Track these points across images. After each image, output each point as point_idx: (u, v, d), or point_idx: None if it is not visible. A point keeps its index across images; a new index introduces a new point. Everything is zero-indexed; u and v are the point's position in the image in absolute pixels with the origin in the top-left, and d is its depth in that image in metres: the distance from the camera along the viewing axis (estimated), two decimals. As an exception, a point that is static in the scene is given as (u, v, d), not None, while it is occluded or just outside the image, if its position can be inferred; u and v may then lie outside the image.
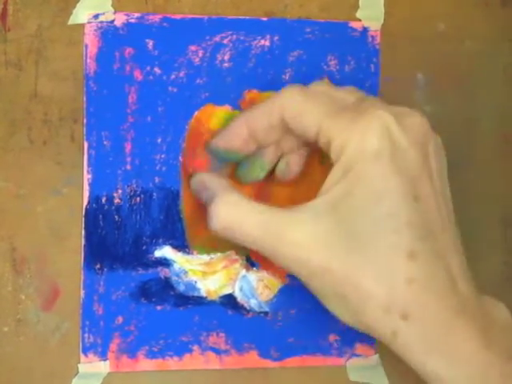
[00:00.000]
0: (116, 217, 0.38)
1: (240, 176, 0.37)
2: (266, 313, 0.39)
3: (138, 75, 0.38)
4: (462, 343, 0.29)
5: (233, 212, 0.32)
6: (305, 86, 0.33)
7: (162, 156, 0.38)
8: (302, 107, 0.31)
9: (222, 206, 0.33)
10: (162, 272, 0.38)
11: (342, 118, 0.30)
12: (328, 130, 0.30)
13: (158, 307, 0.38)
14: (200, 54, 0.39)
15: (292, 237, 0.30)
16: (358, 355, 0.39)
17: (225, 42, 0.39)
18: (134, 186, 0.38)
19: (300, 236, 0.30)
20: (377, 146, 0.29)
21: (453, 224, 0.31)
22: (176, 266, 0.38)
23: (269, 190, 0.39)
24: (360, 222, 0.28)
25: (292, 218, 0.31)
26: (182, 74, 0.39)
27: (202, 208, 0.38)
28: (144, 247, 0.38)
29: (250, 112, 0.35)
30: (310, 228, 0.30)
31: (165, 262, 0.38)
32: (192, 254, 0.38)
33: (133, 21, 0.38)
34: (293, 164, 0.37)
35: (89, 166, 0.38)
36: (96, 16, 0.38)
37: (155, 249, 0.38)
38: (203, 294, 0.38)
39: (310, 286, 0.31)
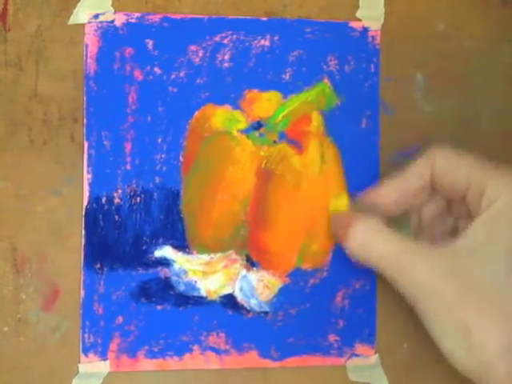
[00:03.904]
0: (116, 217, 0.38)
1: None
2: (266, 313, 0.39)
3: (138, 75, 0.38)
4: None
5: (371, 233, 0.35)
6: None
7: (163, 156, 0.38)
8: (454, 160, 0.34)
9: (361, 225, 0.35)
10: (162, 272, 0.38)
11: (491, 171, 0.33)
12: (481, 181, 0.33)
13: (158, 307, 0.38)
14: (200, 54, 0.39)
15: (426, 266, 0.33)
16: (357, 355, 0.39)
17: (225, 41, 0.39)
18: (134, 185, 0.38)
19: (436, 267, 0.32)
20: None
21: None
22: (176, 266, 0.38)
23: (268, 189, 0.39)
24: (495, 268, 0.31)
25: (432, 251, 0.33)
26: (182, 74, 0.39)
27: (203, 208, 0.38)
28: (144, 247, 0.38)
29: (400, 176, 0.36)
30: (448, 264, 0.32)
31: (165, 262, 0.38)
32: (192, 253, 0.38)
33: (133, 21, 0.38)
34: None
35: (89, 165, 0.38)
36: (96, 16, 0.38)
37: (155, 249, 0.38)
38: (203, 293, 0.38)
39: (431, 318, 0.33)
